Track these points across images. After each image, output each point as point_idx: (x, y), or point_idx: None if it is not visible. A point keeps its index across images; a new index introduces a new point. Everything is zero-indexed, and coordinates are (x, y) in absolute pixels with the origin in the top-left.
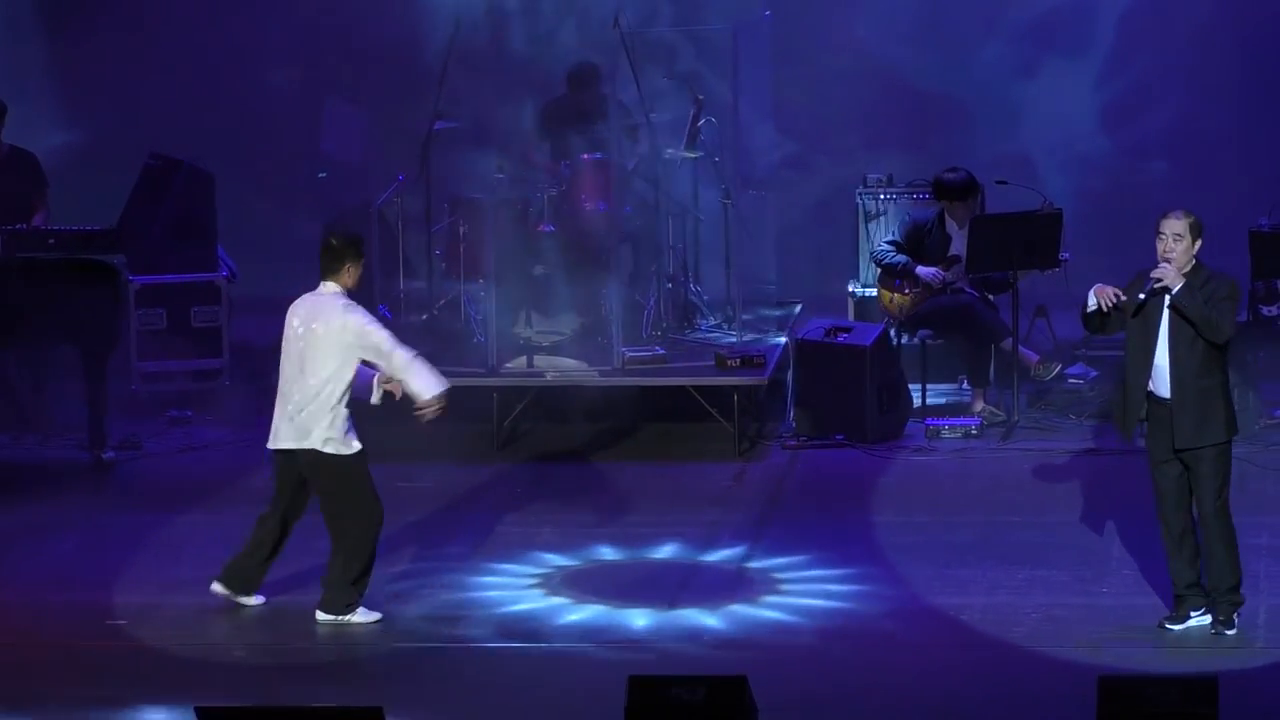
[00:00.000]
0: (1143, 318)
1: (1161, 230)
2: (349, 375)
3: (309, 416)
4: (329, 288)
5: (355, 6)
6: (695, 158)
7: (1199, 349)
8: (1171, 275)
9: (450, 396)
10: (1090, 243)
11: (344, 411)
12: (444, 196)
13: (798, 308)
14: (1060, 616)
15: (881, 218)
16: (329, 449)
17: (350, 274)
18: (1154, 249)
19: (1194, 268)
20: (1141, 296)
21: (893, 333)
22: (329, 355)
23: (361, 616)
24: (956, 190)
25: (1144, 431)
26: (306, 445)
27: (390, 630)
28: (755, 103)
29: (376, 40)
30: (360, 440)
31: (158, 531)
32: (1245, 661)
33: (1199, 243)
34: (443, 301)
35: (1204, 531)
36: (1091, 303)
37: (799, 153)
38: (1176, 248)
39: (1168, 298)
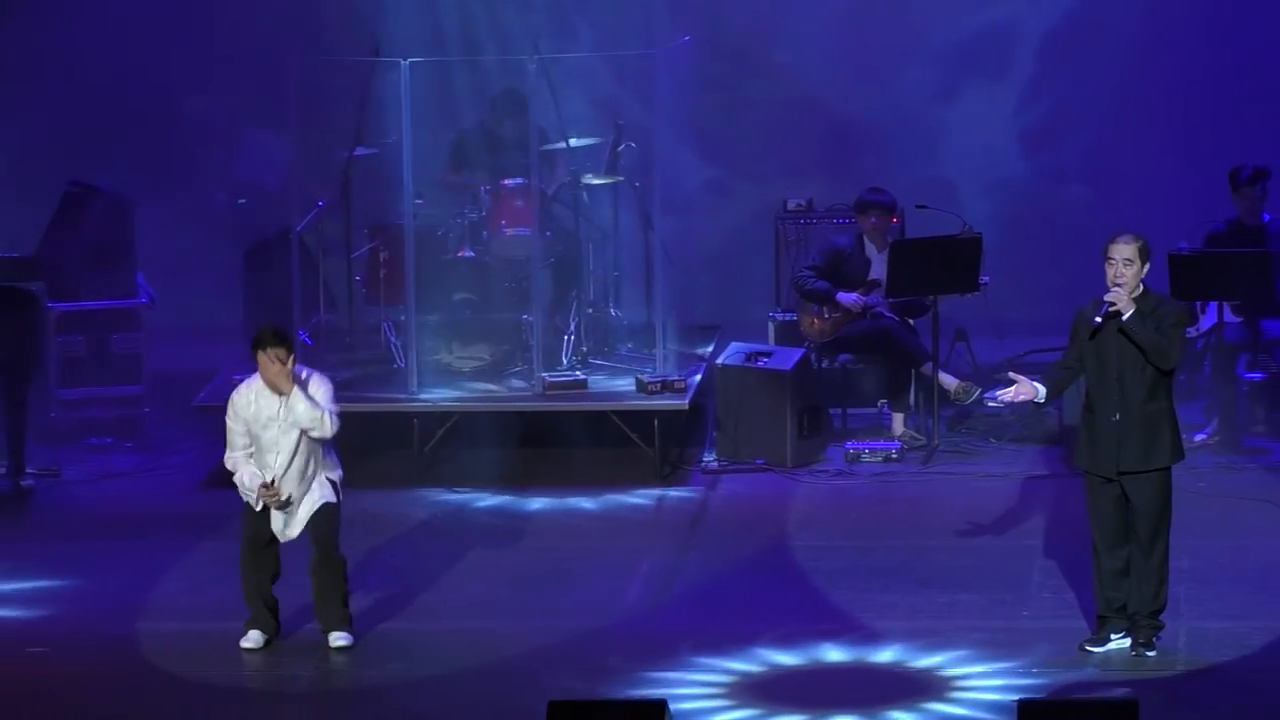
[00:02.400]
0: (1097, 347)
1: (1111, 255)
2: None
3: None
4: None
5: (276, 34)
6: (615, 183)
7: (1147, 374)
8: (1124, 300)
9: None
10: (1010, 267)
11: None
12: (364, 223)
13: (718, 333)
14: (981, 640)
15: (802, 243)
16: None
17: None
18: (1079, 272)
19: (1143, 293)
20: (1098, 320)
21: (813, 357)
22: None
23: (243, 642)
24: (878, 204)
25: (1066, 455)
26: None
27: (301, 659)
28: (675, 128)
29: (296, 67)
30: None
31: (77, 559)
32: (1166, 684)
33: (1147, 267)
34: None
35: (1138, 556)
36: (1042, 394)
37: (719, 178)
38: (1126, 272)
39: (1117, 323)
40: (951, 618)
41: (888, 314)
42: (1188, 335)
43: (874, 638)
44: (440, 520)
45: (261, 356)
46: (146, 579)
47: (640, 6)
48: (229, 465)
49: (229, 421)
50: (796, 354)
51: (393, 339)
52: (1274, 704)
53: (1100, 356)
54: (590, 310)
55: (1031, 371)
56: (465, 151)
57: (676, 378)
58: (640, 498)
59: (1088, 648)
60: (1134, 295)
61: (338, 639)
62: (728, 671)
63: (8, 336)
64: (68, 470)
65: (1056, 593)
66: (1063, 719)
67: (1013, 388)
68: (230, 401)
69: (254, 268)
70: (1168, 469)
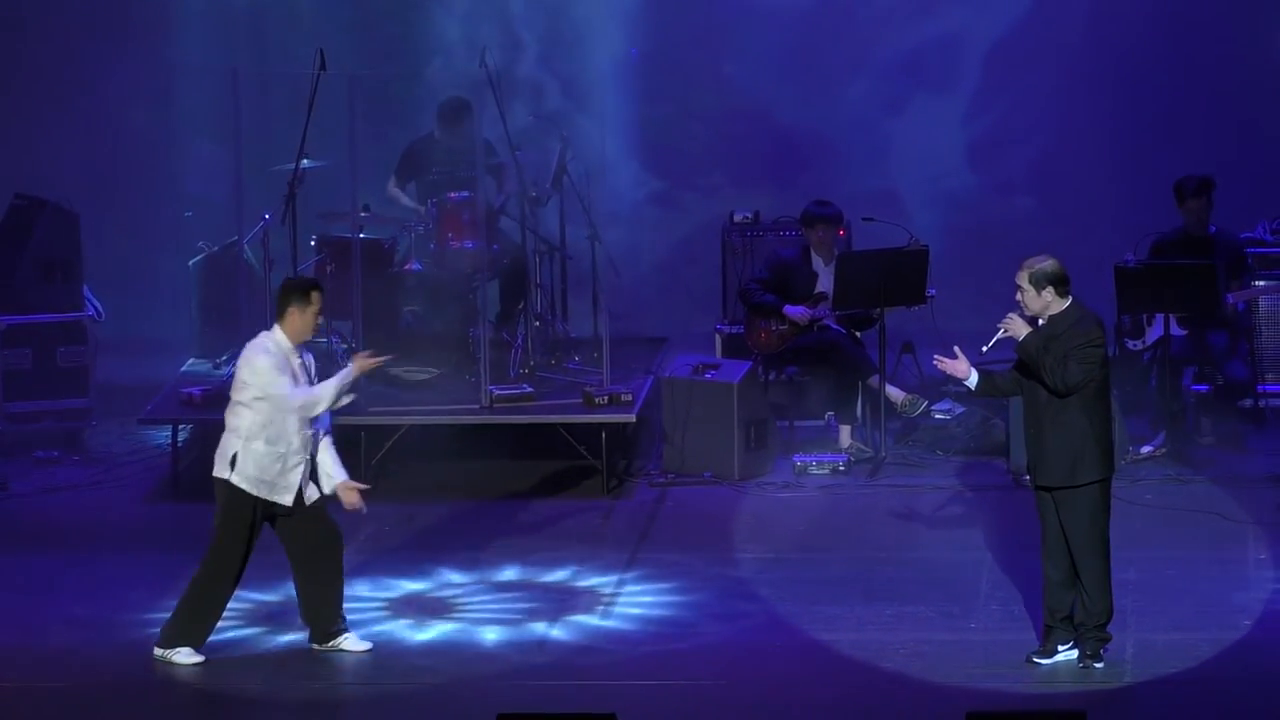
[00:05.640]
0: (1023, 370)
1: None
2: (246, 410)
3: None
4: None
5: (220, 46)
6: (561, 195)
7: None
8: (1016, 325)
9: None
10: (957, 279)
11: (239, 445)
12: (310, 235)
13: (665, 345)
14: (928, 652)
15: (748, 255)
16: (216, 471)
17: (288, 319)
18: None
19: (1063, 312)
20: (984, 350)
21: (760, 370)
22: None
23: (184, 658)
24: (825, 217)
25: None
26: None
27: (255, 671)
28: (622, 140)
29: (241, 79)
30: (268, 489)
31: (23, 572)
32: (1113, 695)
33: (1049, 289)
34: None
35: (1078, 566)
36: (972, 381)
37: (665, 190)
38: (1022, 300)
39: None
40: (899, 629)
41: (835, 326)
42: (1133, 348)
43: (821, 645)
44: (387, 534)
45: (305, 307)
46: (93, 592)
47: (586, 20)
48: (303, 398)
49: (272, 369)
50: (743, 366)
51: (339, 352)
52: (1221, 716)
53: (1024, 370)
54: (537, 323)
55: None
56: (414, 162)
57: (623, 390)
58: (588, 510)
59: (1035, 659)
60: (1044, 315)
61: (361, 641)
62: None
63: None
64: (14, 484)
65: (1004, 604)
66: None
67: (951, 362)
68: (258, 359)
69: (203, 281)
70: (1092, 484)
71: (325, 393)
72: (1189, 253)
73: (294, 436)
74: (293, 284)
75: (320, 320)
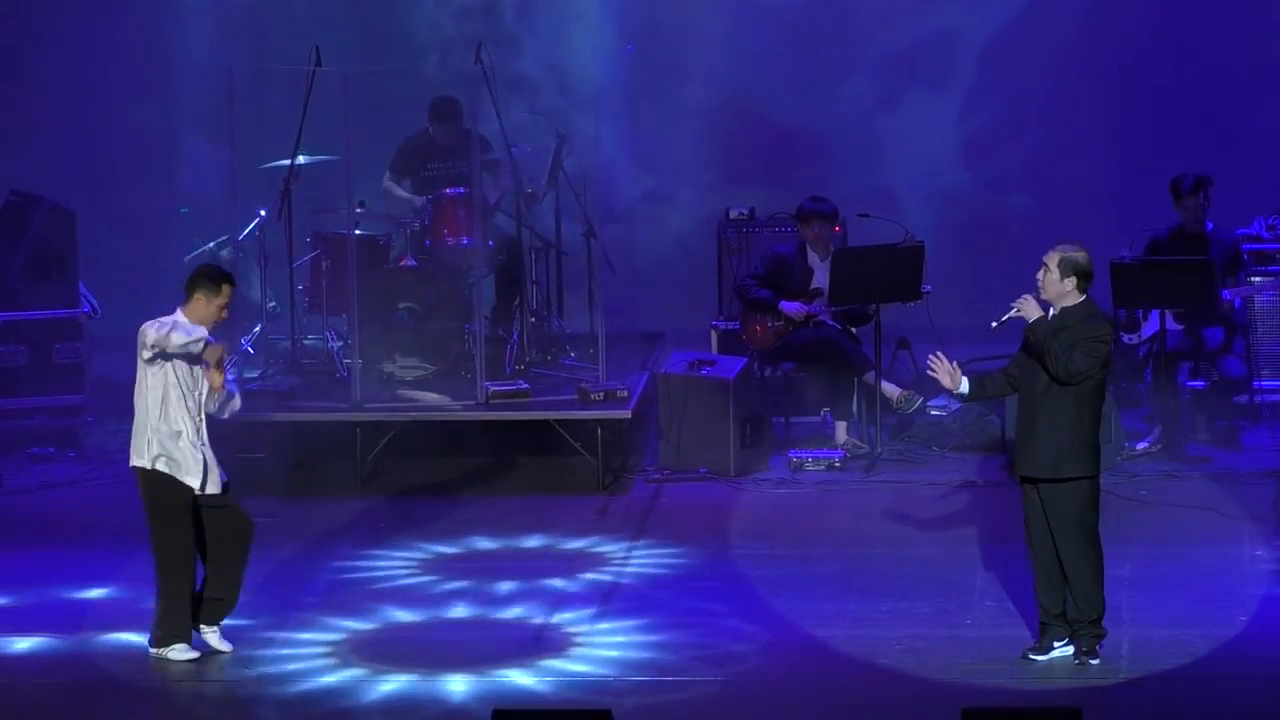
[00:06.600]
0: (1025, 349)
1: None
2: (146, 388)
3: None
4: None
5: (215, 43)
6: (557, 192)
7: (1054, 383)
8: (1030, 306)
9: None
10: (952, 275)
11: (147, 429)
12: (306, 231)
13: (661, 341)
14: (924, 648)
15: (744, 252)
16: (133, 462)
17: (194, 303)
18: (1015, 281)
19: (1077, 305)
20: (994, 325)
21: (756, 366)
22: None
23: (179, 654)
24: (820, 213)
25: (1007, 463)
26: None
27: (252, 667)
28: (617, 137)
29: (237, 76)
30: (177, 469)
31: (18, 569)
32: (1109, 692)
33: (1072, 279)
34: (305, 337)
35: (1066, 563)
36: (963, 388)
37: (661, 187)
38: (1043, 279)
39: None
40: (894, 626)
41: (830, 322)
42: (1129, 342)
43: (816, 642)
44: (382, 530)
45: (213, 296)
46: (85, 588)
47: (582, 16)
48: (158, 344)
49: (159, 328)
50: (739, 362)
51: (335, 348)
52: (1217, 713)
53: (1025, 360)
54: (533, 319)
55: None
56: (410, 157)
57: (619, 386)
58: (583, 506)
59: (1031, 656)
60: (1059, 303)
61: (224, 642)
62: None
63: None
64: (10, 480)
65: (999, 601)
66: None
67: (942, 371)
68: (156, 328)
69: None
70: (1079, 480)
71: (179, 335)
72: (1184, 249)
73: (185, 420)
74: (207, 269)
75: (224, 315)
